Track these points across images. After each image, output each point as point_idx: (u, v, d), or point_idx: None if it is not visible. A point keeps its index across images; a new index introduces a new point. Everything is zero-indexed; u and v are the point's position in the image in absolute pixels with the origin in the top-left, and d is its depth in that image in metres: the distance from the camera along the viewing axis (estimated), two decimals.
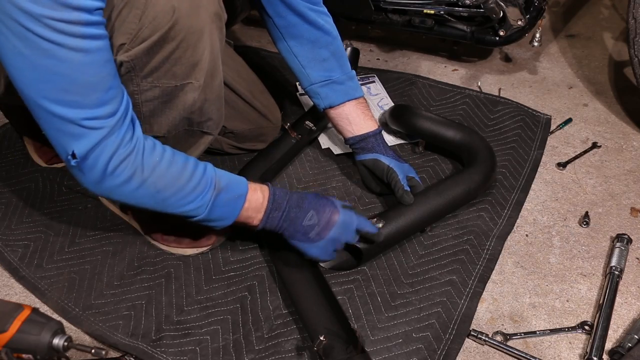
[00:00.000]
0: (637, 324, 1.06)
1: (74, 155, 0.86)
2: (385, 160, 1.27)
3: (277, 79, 1.77)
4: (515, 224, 1.29)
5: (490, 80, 1.78)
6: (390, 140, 1.51)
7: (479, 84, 1.75)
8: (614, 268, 1.15)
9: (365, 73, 1.79)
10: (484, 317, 1.11)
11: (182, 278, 1.18)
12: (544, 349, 1.05)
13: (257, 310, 1.10)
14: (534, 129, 1.54)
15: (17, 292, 1.18)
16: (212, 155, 1.47)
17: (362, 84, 1.49)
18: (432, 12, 1.71)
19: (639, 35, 1.44)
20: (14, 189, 1.42)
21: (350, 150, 1.36)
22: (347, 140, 1.33)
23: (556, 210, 1.33)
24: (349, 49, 1.67)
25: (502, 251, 1.22)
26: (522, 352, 1.03)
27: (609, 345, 1.04)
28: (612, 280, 1.13)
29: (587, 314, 1.11)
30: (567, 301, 1.13)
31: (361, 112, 1.30)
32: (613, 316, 1.08)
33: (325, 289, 1.10)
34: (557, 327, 1.08)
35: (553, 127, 1.56)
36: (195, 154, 1.13)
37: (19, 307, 0.87)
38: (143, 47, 0.92)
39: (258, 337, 1.06)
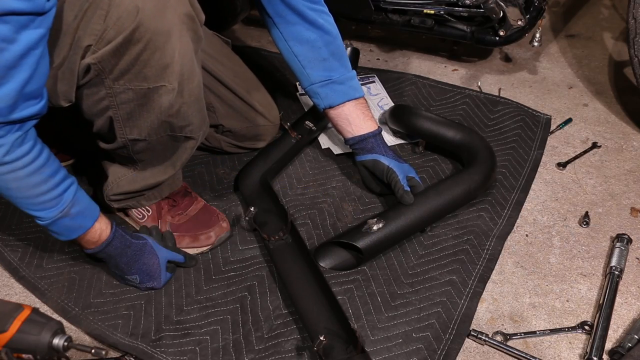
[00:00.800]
0: (637, 324, 1.06)
1: None
2: (385, 160, 1.27)
3: (277, 79, 1.77)
4: (515, 224, 1.29)
5: (490, 80, 1.78)
6: (390, 140, 1.51)
7: (479, 84, 1.75)
8: (614, 268, 1.16)
9: (365, 73, 1.79)
10: (484, 317, 1.11)
11: (181, 278, 1.17)
12: (544, 349, 1.05)
13: (257, 310, 1.10)
14: (534, 129, 1.54)
15: (17, 292, 1.18)
16: (212, 154, 1.47)
17: (362, 84, 1.49)
18: (432, 12, 1.71)
19: (639, 35, 1.44)
20: None
21: (351, 150, 1.36)
22: (347, 141, 1.33)
23: (556, 210, 1.33)
24: (349, 48, 1.67)
25: (502, 251, 1.22)
26: (522, 352, 1.03)
27: (609, 345, 1.04)
28: (612, 280, 1.13)
29: (587, 314, 1.11)
30: (567, 301, 1.13)
31: (361, 113, 1.30)
32: (613, 316, 1.08)
33: (325, 289, 1.10)
34: (557, 327, 1.08)
35: (553, 127, 1.56)
36: (182, 159, 1.15)
37: (19, 307, 0.87)
38: (109, 48, 0.92)
39: (258, 337, 1.06)
